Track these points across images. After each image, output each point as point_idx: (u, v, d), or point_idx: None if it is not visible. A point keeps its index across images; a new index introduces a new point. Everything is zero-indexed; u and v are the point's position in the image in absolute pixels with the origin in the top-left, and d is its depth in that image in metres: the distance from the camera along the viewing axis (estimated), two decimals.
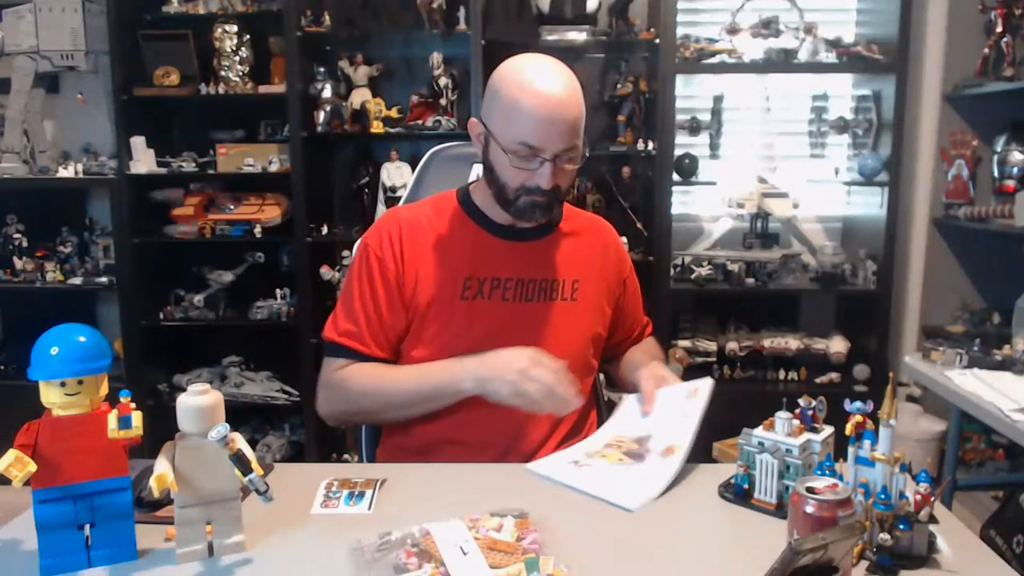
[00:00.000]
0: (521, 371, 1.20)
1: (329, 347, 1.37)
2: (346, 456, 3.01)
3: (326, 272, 2.96)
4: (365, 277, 1.35)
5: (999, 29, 2.67)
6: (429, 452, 1.34)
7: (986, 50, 2.72)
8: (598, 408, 1.54)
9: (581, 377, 1.39)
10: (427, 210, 1.41)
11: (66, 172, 2.98)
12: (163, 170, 2.95)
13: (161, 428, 1.05)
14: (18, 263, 3.04)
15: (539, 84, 1.24)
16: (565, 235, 1.42)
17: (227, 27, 2.90)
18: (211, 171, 2.97)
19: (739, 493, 1.14)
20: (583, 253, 1.43)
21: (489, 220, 1.38)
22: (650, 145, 2.86)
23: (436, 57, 2.87)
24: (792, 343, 2.99)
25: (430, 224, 1.38)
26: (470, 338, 1.31)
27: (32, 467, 0.90)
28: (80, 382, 0.93)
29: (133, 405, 0.94)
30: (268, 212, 2.98)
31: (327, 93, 2.91)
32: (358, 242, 1.42)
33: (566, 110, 1.24)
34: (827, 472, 0.99)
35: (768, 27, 2.83)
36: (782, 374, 3.00)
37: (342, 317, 1.36)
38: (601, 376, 1.60)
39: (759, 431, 1.13)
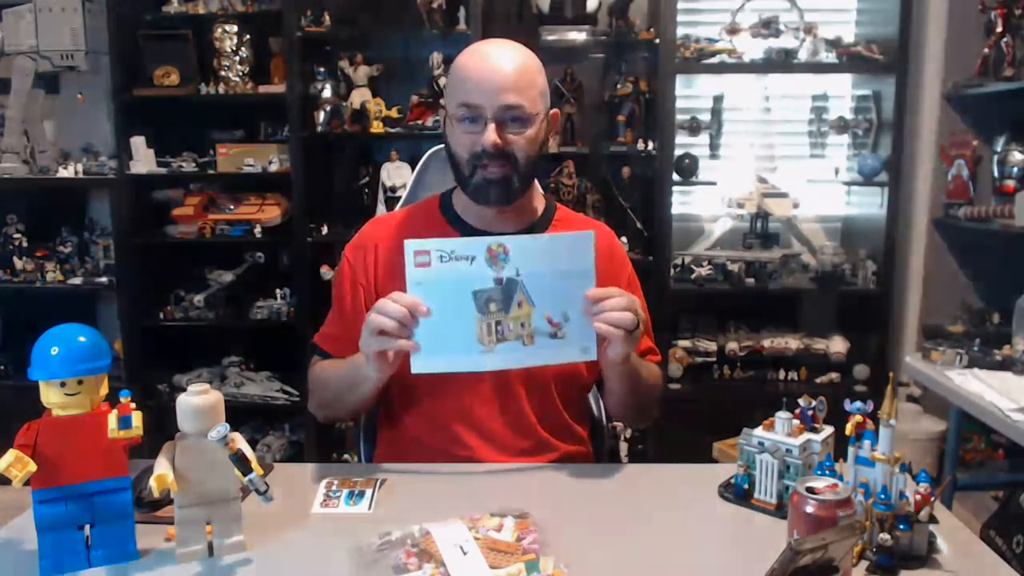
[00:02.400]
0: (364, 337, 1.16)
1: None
2: (346, 456, 3.00)
3: (326, 272, 2.96)
4: (340, 285, 1.40)
5: (999, 29, 2.66)
6: (421, 456, 1.33)
7: (986, 50, 2.72)
8: (592, 426, 1.49)
9: (570, 391, 1.38)
10: (408, 215, 1.42)
11: (66, 172, 2.98)
12: (163, 170, 2.95)
13: (161, 428, 1.05)
14: (18, 263, 3.03)
15: (480, 48, 1.28)
16: None
17: (227, 27, 2.90)
18: (211, 171, 2.97)
19: (739, 493, 1.14)
20: None
21: (466, 224, 1.36)
22: (650, 145, 2.86)
23: (436, 57, 2.87)
24: (792, 343, 2.98)
25: (408, 230, 1.37)
26: None
27: (32, 467, 0.90)
28: (80, 382, 0.93)
29: (133, 405, 0.94)
30: (268, 212, 2.98)
31: (327, 93, 2.91)
32: None
33: (504, 65, 1.24)
34: (827, 472, 0.99)
35: (768, 27, 2.83)
36: (782, 374, 3.00)
37: (325, 321, 1.43)
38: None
39: (759, 431, 1.13)
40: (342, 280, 1.40)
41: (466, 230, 1.35)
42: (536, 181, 1.40)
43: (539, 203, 1.41)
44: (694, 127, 3.02)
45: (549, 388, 1.34)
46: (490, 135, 1.24)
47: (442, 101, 2.50)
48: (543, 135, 1.31)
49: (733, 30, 2.85)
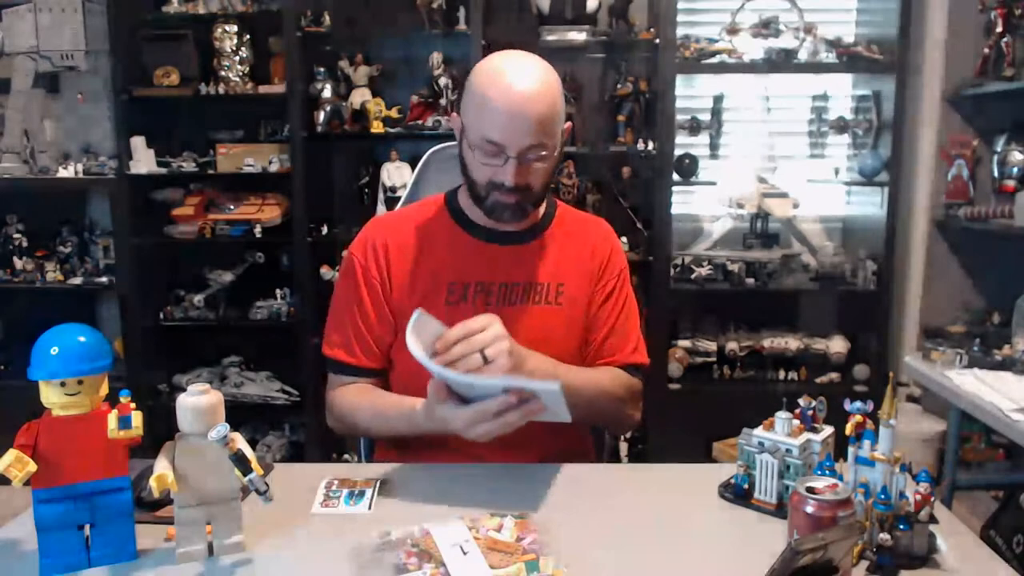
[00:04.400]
0: (467, 433, 1.12)
1: (326, 363, 1.39)
2: (346, 456, 3.00)
3: (326, 272, 2.96)
4: (352, 287, 1.37)
5: (999, 29, 2.66)
6: (421, 456, 1.34)
7: (986, 50, 2.72)
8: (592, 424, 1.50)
9: None
10: (413, 214, 1.41)
11: (66, 172, 2.98)
12: (163, 170, 2.95)
13: (161, 428, 1.05)
14: (18, 263, 3.03)
15: (507, 80, 1.22)
16: (553, 238, 1.39)
17: (227, 27, 2.89)
18: (211, 171, 2.97)
19: (739, 493, 1.14)
20: (570, 255, 1.39)
21: (473, 223, 1.36)
22: (650, 145, 2.86)
23: (436, 57, 2.87)
24: (792, 343, 2.98)
25: (415, 229, 1.37)
26: None
27: (32, 467, 0.90)
28: (80, 382, 0.93)
29: (133, 405, 0.94)
30: (268, 212, 2.98)
31: (327, 93, 2.91)
32: (345, 253, 1.43)
33: (531, 107, 1.21)
34: (827, 472, 0.99)
35: (768, 27, 2.83)
36: (782, 374, 3.00)
37: (332, 330, 1.39)
38: None
39: (759, 431, 1.13)
40: (355, 281, 1.36)
41: (472, 229, 1.36)
42: None
43: (541, 205, 1.41)
44: (694, 127, 3.02)
45: None
46: (512, 175, 1.23)
47: (443, 101, 2.50)
48: (559, 157, 1.32)
49: (733, 30, 2.85)
